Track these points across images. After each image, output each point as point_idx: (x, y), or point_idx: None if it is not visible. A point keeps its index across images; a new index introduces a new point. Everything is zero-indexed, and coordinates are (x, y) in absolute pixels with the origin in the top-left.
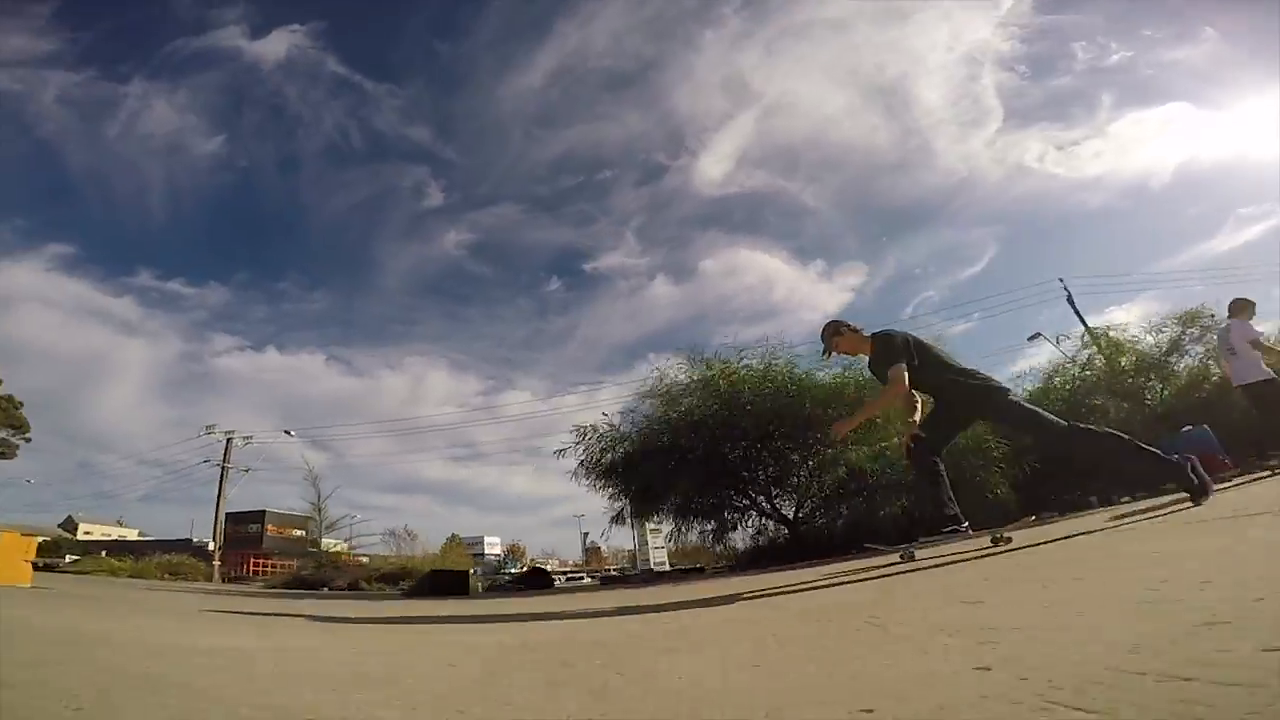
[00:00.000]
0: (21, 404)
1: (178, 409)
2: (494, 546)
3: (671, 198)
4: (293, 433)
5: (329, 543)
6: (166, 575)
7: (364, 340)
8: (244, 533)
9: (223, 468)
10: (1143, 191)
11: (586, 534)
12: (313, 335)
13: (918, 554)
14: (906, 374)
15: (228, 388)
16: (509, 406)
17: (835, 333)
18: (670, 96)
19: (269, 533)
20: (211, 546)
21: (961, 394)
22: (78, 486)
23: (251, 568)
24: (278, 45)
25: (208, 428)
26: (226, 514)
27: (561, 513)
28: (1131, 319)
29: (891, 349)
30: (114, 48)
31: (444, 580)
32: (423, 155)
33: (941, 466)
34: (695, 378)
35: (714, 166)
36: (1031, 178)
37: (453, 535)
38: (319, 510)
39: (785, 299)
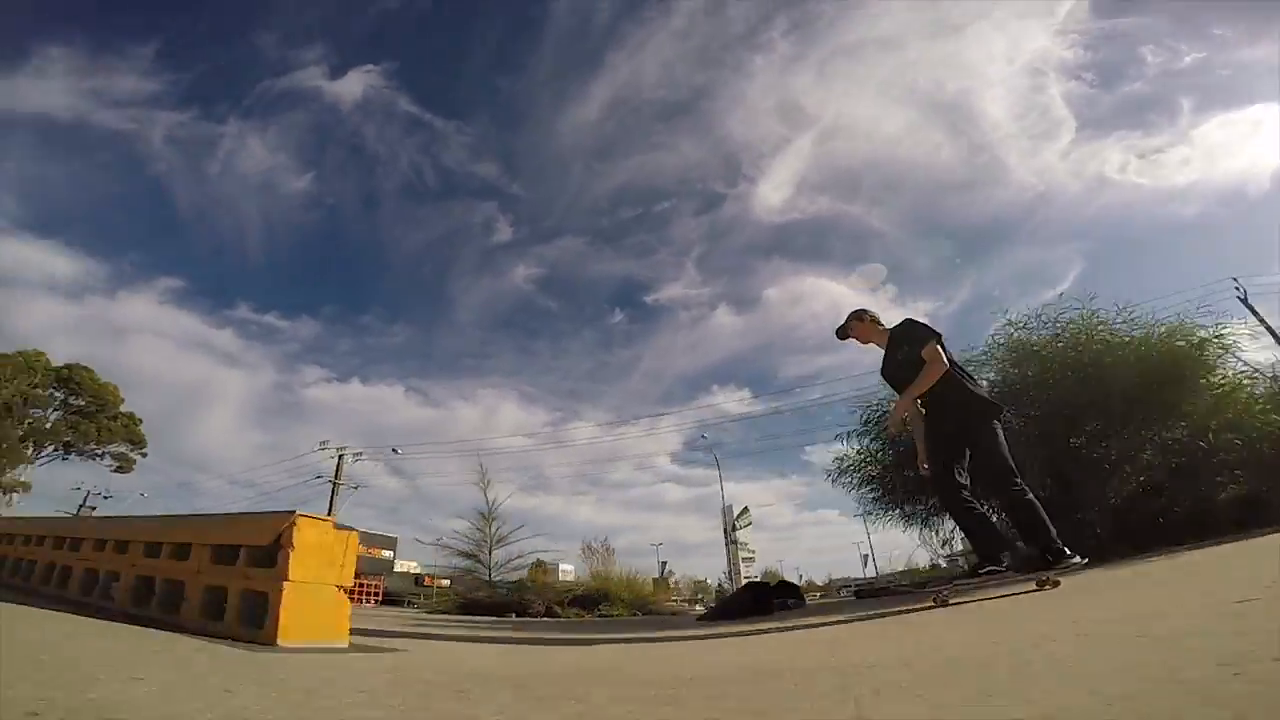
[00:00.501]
0: (141, 420)
1: (271, 435)
2: (567, 574)
3: (731, 226)
4: (400, 450)
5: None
6: None
7: (440, 372)
8: None
9: (334, 484)
10: (1240, 198)
11: (665, 563)
12: (392, 368)
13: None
14: (943, 351)
15: (315, 416)
16: (575, 437)
17: (858, 318)
18: (724, 124)
19: (359, 553)
20: None
21: (962, 400)
22: (178, 505)
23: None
24: (354, 85)
25: (322, 443)
26: None
27: (624, 543)
28: (1243, 335)
29: (921, 327)
30: (211, 88)
31: (758, 596)
32: (490, 191)
33: (969, 495)
34: (1042, 341)
35: (773, 193)
36: (1114, 189)
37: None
38: (488, 524)
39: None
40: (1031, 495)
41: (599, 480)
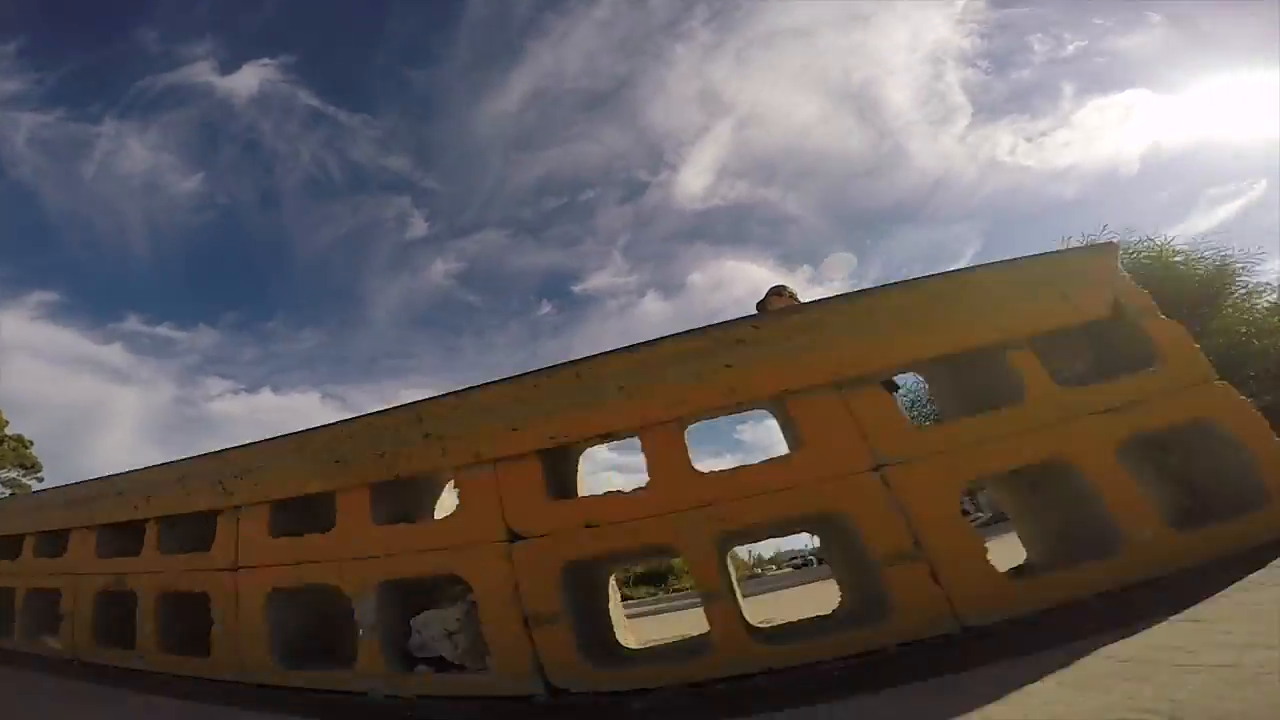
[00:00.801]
0: (31, 443)
1: (175, 452)
2: None
3: (655, 213)
4: None
5: None
6: None
7: (358, 376)
8: None
9: None
10: (1113, 179)
11: None
12: (305, 375)
13: None
14: None
15: (223, 430)
16: None
17: (777, 293)
18: (646, 112)
19: None
20: None
21: None
22: None
23: None
24: (249, 80)
25: None
26: None
27: None
28: None
29: None
30: (82, 86)
31: None
32: (403, 185)
33: None
34: None
35: (695, 180)
36: (1005, 171)
37: None
38: None
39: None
40: None
41: None
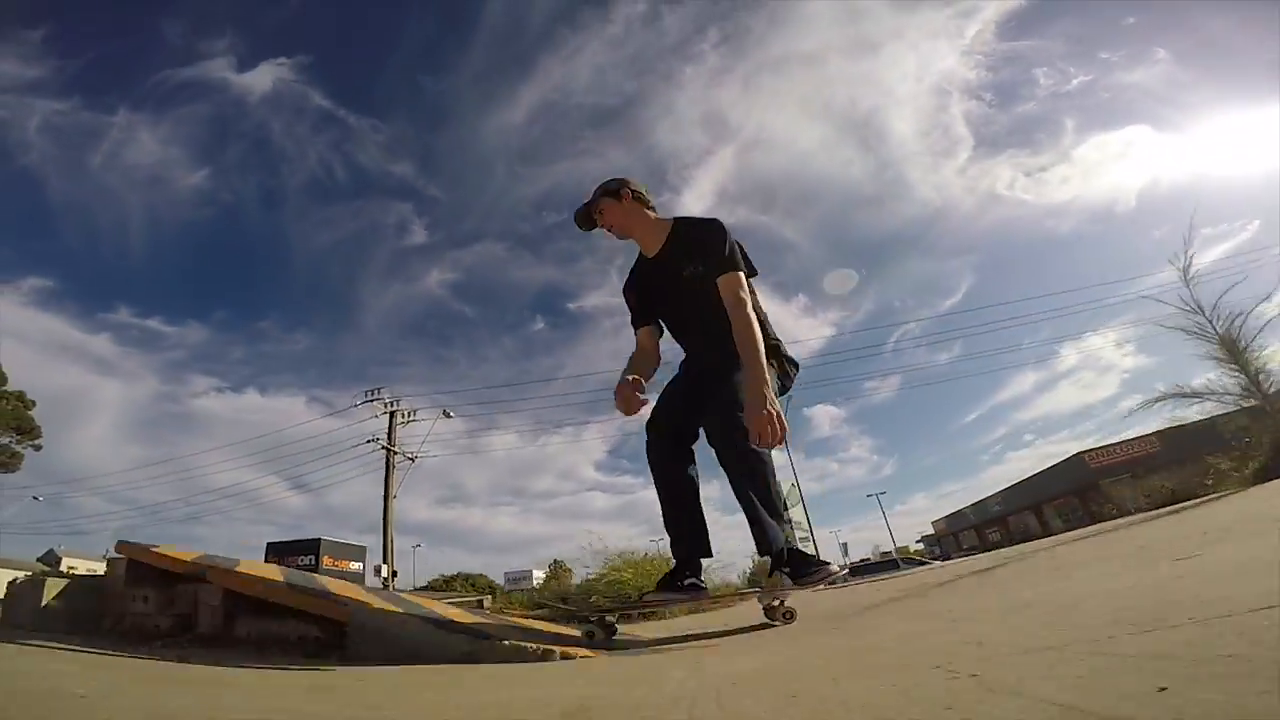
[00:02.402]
0: (34, 403)
1: (151, 448)
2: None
3: None
4: (452, 414)
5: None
6: None
7: (346, 381)
8: (292, 565)
9: (387, 450)
10: (1110, 216)
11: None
12: (293, 378)
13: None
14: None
15: (205, 428)
16: (494, 447)
17: (613, 193)
18: (652, 132)
19: (325, 565)
20: (383, 570)
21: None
22: (46, 521)
23: None
24: (264, 78)
25: (369, 392)
26: (268, 544)
27: (546, 553)
28: (1106, 345)
29: (721, 236)
30: (102, 76)
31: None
32: (406, 191)
33: (690, 470)
34: None
35: (695, 203)
36: (1003, 205)
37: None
38: None
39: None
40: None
41: (521, 490)
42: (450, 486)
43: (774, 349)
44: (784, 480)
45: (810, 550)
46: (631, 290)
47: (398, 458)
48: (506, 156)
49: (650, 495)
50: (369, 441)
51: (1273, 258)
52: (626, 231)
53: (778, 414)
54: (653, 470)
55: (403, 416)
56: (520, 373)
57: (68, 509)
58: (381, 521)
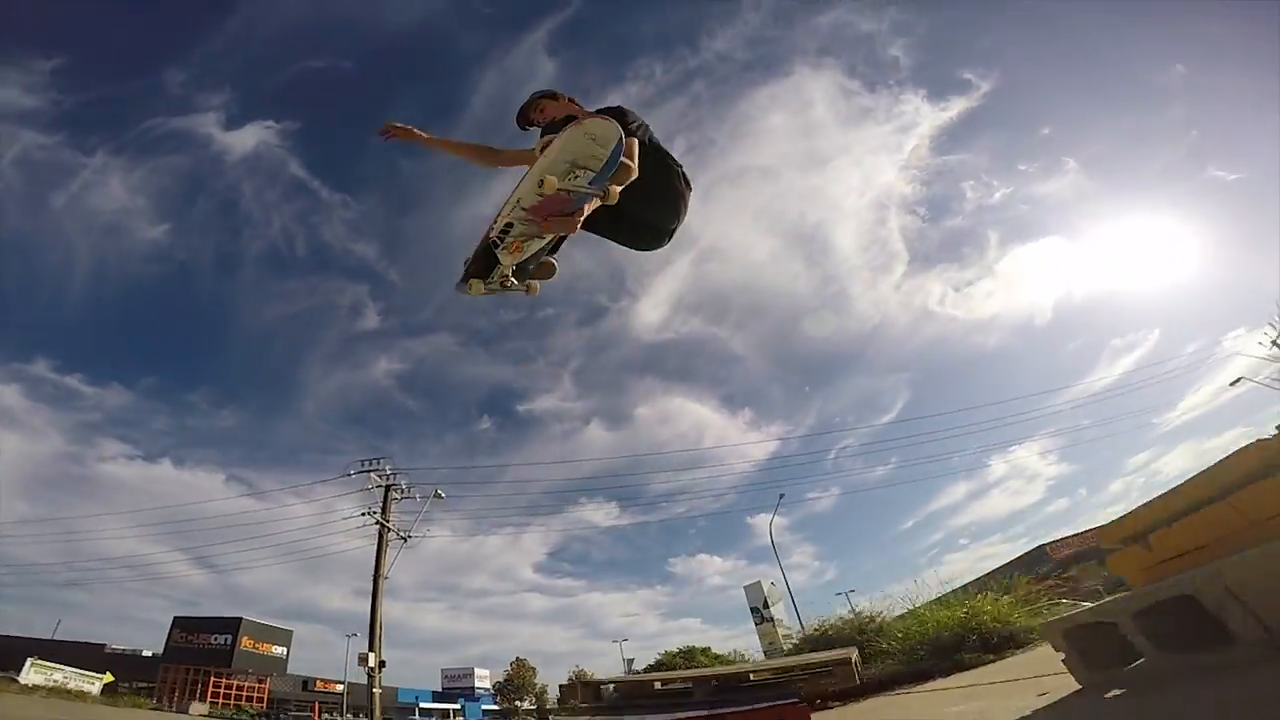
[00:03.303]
0: None
1: (40, 507)
2: (484, 679)
3: (610, 340)
4: (443, 494)
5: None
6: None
7: (272, 464)
8: (203, 644)
9: (381, 526)
10: (1030, 329)
11: (631, 660)
12: (215, 453)
13: None
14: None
15: (107, 494)
16: (427, 543)
17: (545, 95)
18: None
19: (244, 646)
20: (370, 660)
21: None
22: None
23: (212, 690)
24: (248, 139)
25: (366, 462)
26: (175, 618)
27: (475, 651)
28: (1031, 456)
29: (628, 115)
30: (95, 116)
31: None
32: (365, 273)
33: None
34: None
35: (652, 311)
36: (935, 321)
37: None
38: None
39: (715, 446)
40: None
41: (451, 588)
42: (370, 578)
43: None
44: (765, 579)
45: None
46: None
47: (390, 535)
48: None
49: (592, 600)
50: (364, 514)
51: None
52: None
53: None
54: None
55: (398, 493)
56: (461, 471)
57: None
58: (370, 602)
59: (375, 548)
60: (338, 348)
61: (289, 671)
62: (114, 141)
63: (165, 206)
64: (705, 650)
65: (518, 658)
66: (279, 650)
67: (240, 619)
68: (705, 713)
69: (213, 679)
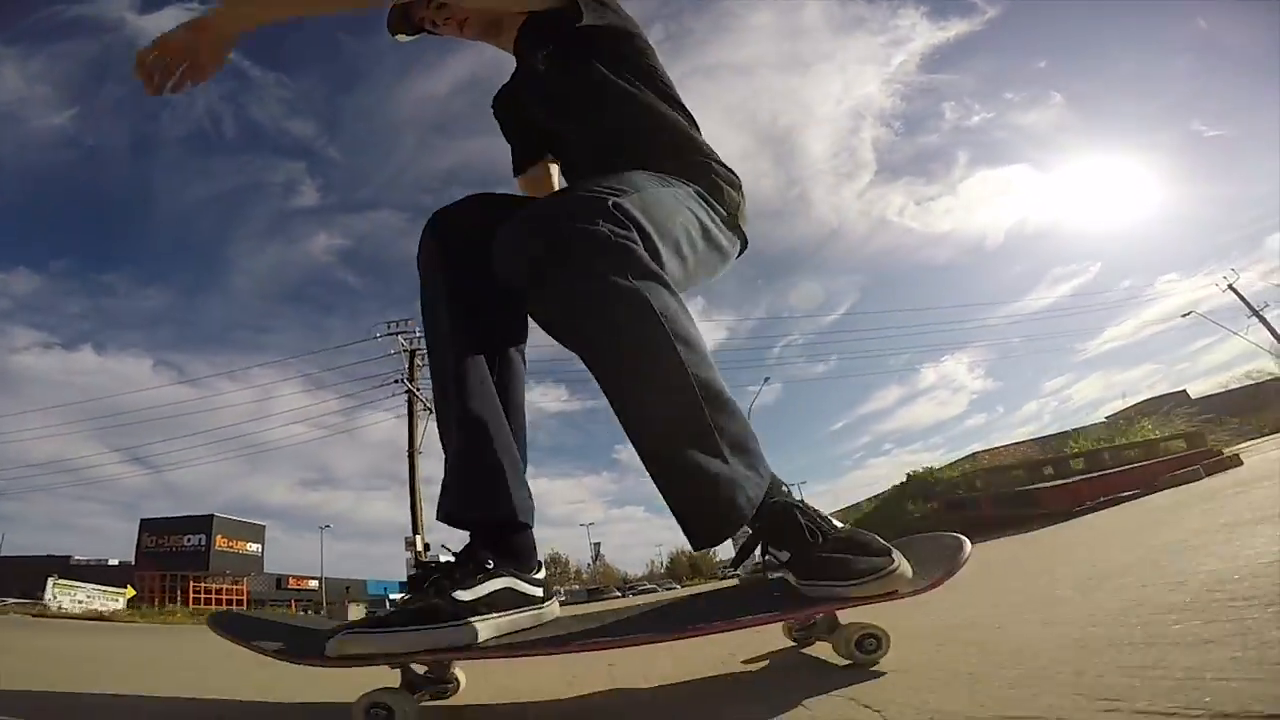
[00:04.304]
0: None
1: None
2: None
3: None
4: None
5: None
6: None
7: (204, 345)
8: (175, 547)
9: (411, 394)
10: (979, 249)
11: (598, 544)
12: (140, 336)
13: None
14: None
15: (23, 388)
16: (369, 428)
17: None
18: None
19: (219, 546)
20: (417, 543)
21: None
22: None
23: (191, 595)
24: (167, 21)
25: (392, 324)
26: (142, 520)
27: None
28: (960, 367)
29: None
30: None
31: None
32: (301, 151)
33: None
34: None
35: None
36: (891, 230)
37: None
38: None
39: None
40: None
41: (396, 475)
42: (316, 469)
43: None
44: None
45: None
46: (503, 108)
47: (419, 406)
48: (420, 127)
49: (538, 485)
50: (395, 382)
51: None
52: (485, 24)
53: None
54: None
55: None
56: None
57: None
58: (409, 480)
59: (405, 418)
60: (272, 224)
61: (265, 570)
62: (7, 31)
63: (71, 94)
64: None
65: None
66: (254, 547)
67: (212, 516)
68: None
69: (191, 583)
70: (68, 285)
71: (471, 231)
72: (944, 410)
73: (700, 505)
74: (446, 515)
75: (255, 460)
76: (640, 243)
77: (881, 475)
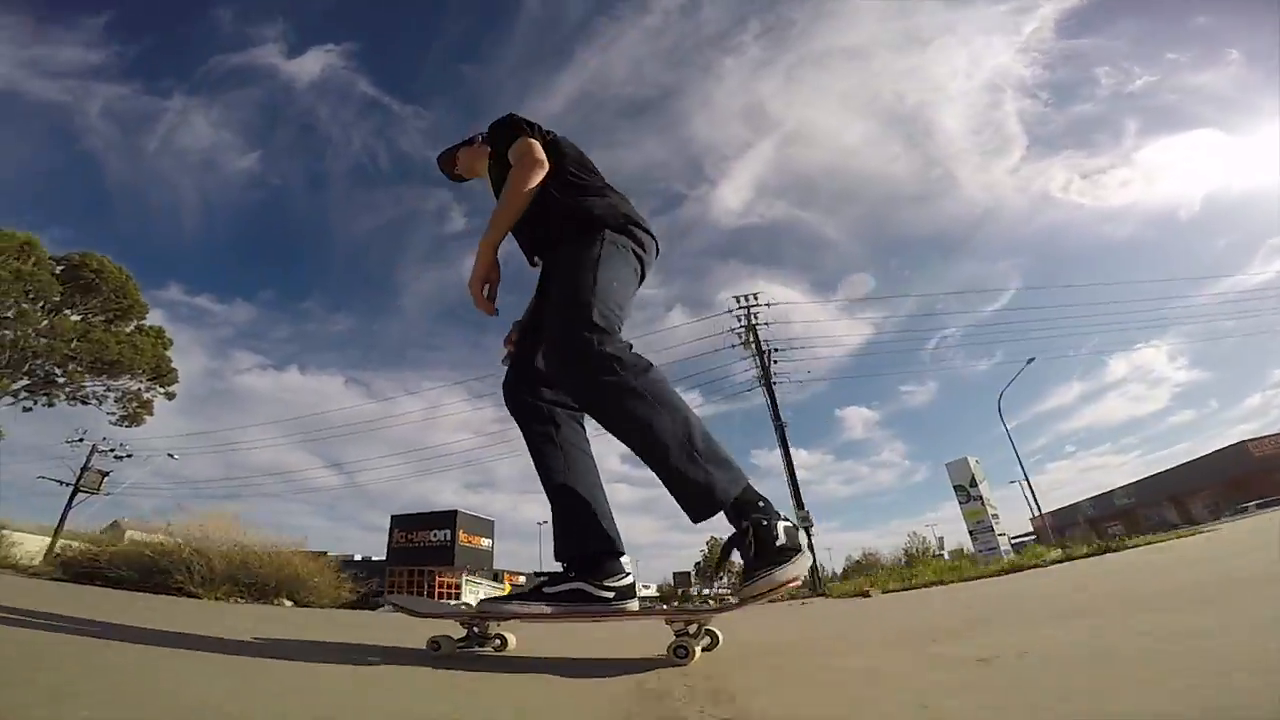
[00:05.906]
0: (171, 342)
1: (198, 424)
2: None
3: (690, 227)
4: None
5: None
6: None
7: (383, 364)
8: (423, 542)
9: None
10: (1170, 222)
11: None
12: (333, 357)
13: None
14: (540, 153)
15: (247, 404)
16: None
17: (465, 143)
18: (689, 124)
19: (461, 541)
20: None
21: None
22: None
23: (437, 590)
24: (313, 65)
25: (740, 298)
26: (392, 517)
27: None
28: (1159, 357)
29: (513, 123)
30: (158, 61)
31: None
32: (444, 178)
33: (565, 430)
34: None
35: (733, 196)
36: (1057, 208)
37: None
38: None
39: (803, 332)
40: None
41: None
42: (479, 472)
43: (610, 215)
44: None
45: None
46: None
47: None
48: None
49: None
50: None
51: None
52: (471, 174)
53: (483, 276)
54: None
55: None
56: None
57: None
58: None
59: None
60: (429, 249)
61: (494, 566)
62: (185, 83)
63: (251, 137)
64: None
65: None
66: (486, 542)
67: (456, 511)
68: None
69: (437, 577)
70: (274, 314)
71: (522, 387)
72: (1139, 406)
73: (691, 499)
74: (556, 555)
75: (427, 464)
76: (618, 329)
77: (1063, 480)
